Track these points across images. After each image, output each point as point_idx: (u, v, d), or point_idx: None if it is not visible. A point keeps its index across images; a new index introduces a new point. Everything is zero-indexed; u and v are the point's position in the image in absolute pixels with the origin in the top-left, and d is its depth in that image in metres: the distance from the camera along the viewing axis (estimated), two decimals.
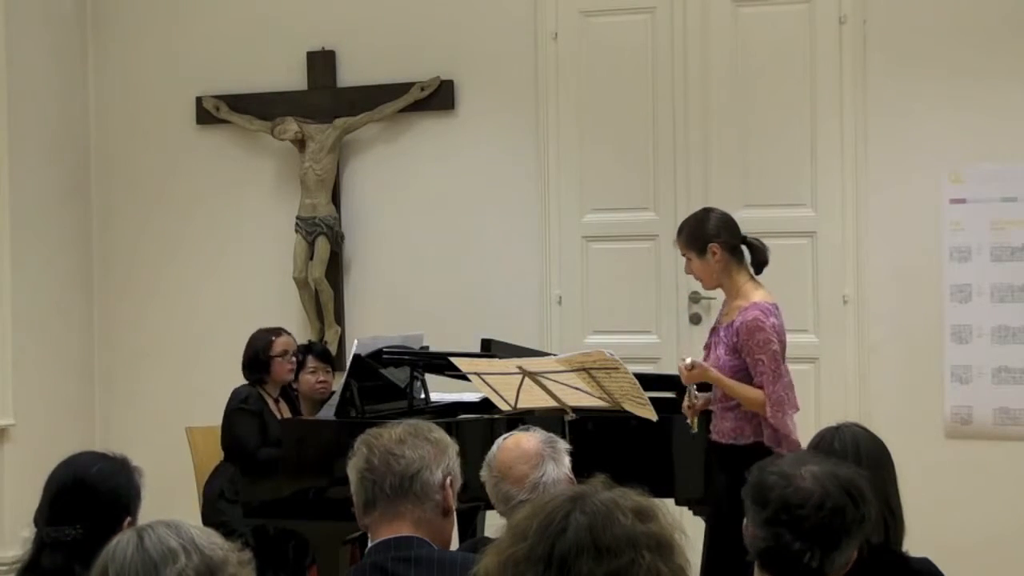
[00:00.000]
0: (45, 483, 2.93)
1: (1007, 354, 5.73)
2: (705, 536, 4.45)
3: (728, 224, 4.46)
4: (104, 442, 6.44)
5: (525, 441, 3.28)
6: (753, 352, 4.28)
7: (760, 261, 4.46)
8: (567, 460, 3.29)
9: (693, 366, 4.30)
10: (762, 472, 2.39)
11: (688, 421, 4.39)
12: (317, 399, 5.65)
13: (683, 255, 4.50)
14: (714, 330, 4.52)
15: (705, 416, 4.52)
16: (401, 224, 6.57)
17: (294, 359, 5.59)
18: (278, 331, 5.64)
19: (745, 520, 2.38)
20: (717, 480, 4.45)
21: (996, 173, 5.75)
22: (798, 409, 4.37)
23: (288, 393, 5.67)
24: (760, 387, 4.27)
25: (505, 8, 6.40)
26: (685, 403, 4.39)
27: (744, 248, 4.47)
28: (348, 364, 5.07)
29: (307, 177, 6.50)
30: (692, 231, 4.45)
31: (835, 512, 2.31)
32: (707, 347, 4.54)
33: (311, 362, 5.69)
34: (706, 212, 4.55)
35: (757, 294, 4.37)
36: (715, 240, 4.39)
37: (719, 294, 4.66)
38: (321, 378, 5.70)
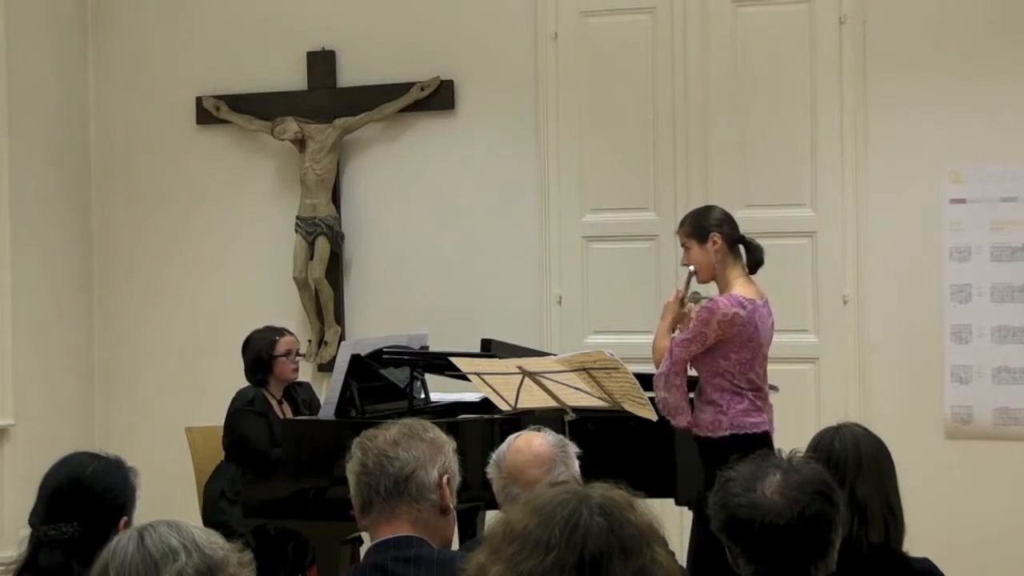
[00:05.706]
0: (40, 484, 2.92)
1: (1007, 354, 5.73)
2: (692, 524, 4.50)
3: (729, 219, 4.63)
4: (104, 442, 6.43)
5: (537, 444, 3.25)
6: (691, 321, 4.47)
7: (756, 260, 4.58)
8: (576, 463, 3.29)
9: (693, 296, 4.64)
10: (726, 508, 2.30)
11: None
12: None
13: (683, 244, 4.63)
14: None
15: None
16: (401, 224, 6.57)
17: (297, 359, 5.61)
18: (281, 331, 5.64)
19: (730, 555, 2.33)
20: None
21: (996, 173, 5.75)
22: (761, 412, 4.47)
23: (290, 393, 5.67)
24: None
25: (505, 8, 6.40)
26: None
27: (741, 246, 4.59)
28: (336, 366, 5.09)
29: (307, 177, 6.50)
30: (696, 219, 4.61)
31: (816, 519, 2.27)
32: None
33: None
34: (709, 206, 4.75)
35: (741, 288, 4.49)
36: (717, 230, 4.54)
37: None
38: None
